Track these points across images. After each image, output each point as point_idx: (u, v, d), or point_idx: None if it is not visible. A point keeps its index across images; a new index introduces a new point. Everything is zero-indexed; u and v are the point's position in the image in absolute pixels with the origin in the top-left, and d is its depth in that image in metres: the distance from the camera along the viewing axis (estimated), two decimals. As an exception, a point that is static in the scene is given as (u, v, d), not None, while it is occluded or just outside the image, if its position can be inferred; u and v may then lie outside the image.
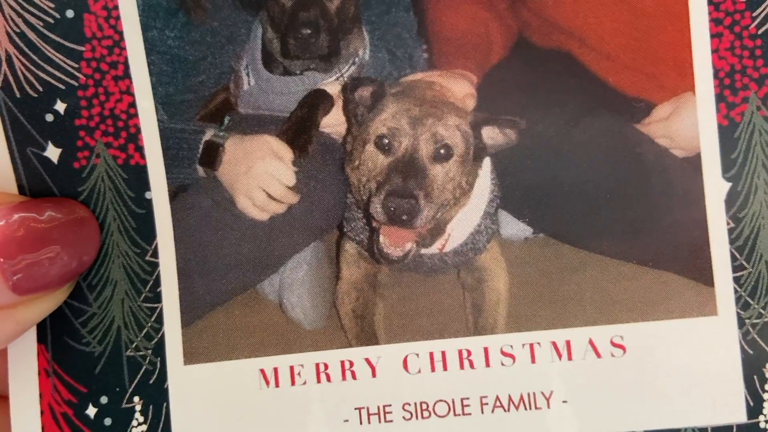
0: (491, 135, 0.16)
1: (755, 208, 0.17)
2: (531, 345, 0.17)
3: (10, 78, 0.17)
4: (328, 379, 0.17)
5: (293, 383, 0.18)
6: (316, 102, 0.16)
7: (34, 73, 0.16)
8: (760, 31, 0.16)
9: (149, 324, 0.17)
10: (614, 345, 0.17)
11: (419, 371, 0.18)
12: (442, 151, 0.17)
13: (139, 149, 0.16)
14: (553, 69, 0.16)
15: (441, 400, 0.18)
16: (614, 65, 0.16)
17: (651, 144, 0.15)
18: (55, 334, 0.18)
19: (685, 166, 0.15)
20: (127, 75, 0.16)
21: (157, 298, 0.17)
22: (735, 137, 0.16)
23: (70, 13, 0.17)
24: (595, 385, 0.17)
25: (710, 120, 0.17)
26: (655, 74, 0.15)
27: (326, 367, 0.18)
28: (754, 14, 0.15)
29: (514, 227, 0.16)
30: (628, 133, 0.15)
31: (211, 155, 0.17)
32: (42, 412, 0.18)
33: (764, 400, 0.16)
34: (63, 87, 0.17)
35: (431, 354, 0.17)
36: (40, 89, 0.17)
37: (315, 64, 0.16)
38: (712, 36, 0.16)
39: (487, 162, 0.16)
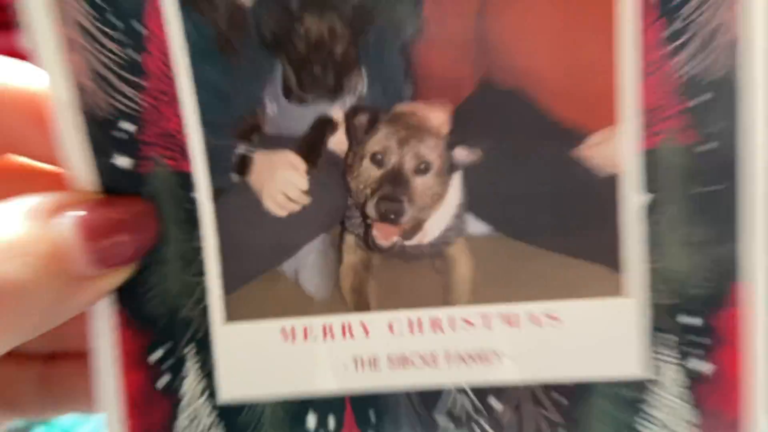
0: (461, 155, 0.18)
1: (661, 215, 0.20)
2: (487, 315, 0.20)
3: (91, 104, 0.19)
4: (332, 337, 0.20)
5: (306, 339, 0.20)
6: (324, 125, 0.19)
7: (107, 101, 0.19)
8: (678, 74, 0.18)
9: (197, 293, 0.20)
10: (550, 317, 0.19)
11: (401, 333, 0.20)
12: (422, 166, 0.18)
13: (188, 159, 0.20)
14: (510, 103, 0.18)
15: (417, 354, 0.20)
16: (558, 101, 0.18)
17: (584, 165, 0.18)
18: (126, 298, 0.20)
19: (610, 182, 0.18)
20: (178, 102, 0.19)
21: (202, 273, 0.20)
22: (653, 161, 0.19)
23: (132, 54, 0.20)
24: (534, 346, 0.19)
25: (633, 146, 0.18)
26: (591, 109, 0.18)
27: (331, 328, 0.20)
28: (674, 61, 0.18)
29: (476, 226, 0.19)
30: (567, 156, 0.18)
31: (244, 165, 0.19)
32: (116, 360, 0.21)
33: (662, 361, 0.20)
34: (129, 111, 0.19)
35: (410, 320, 0.20)
36: (112, 113, 0.20)
37: (324, 95, 0.19)
38: (639, 79, 0.18)
39: (457, 175, 0.20)
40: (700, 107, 0.19)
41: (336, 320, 0.20)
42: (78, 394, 0.25)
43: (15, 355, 0.22)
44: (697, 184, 0.19)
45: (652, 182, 0.19)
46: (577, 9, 0.18)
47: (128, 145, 0.19)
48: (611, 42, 0.18)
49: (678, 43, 0.18)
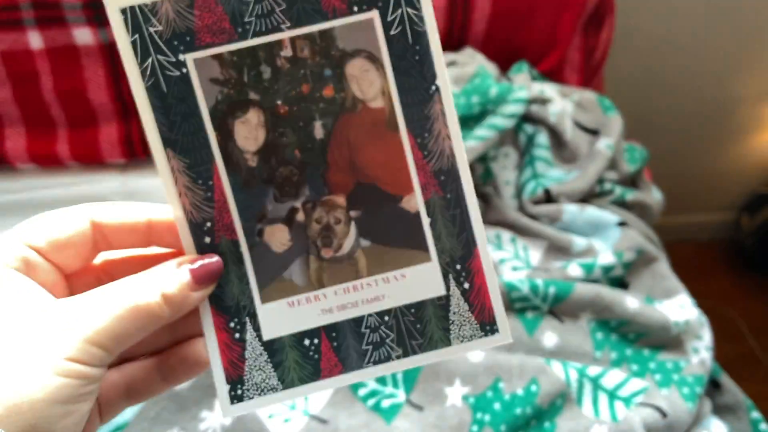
0: (353, 214, 0.34)
1: (436, 225, 0.34)
2: (376, 279, 0.34)
3: (191, 217, 0.33)
4: (309, 302, 0.34)
5: (299, 305, 0.34)
6: (293, 211, 0.31)
7: (199, 214, 0.33)
8: (430, 165, 0.34)
9: (246, 292, 0.34)
10: (402, 276, 0.34)
11: (340, 294, 0.34)
12: (337, 221, 0.34)
13: (236, 233, 0.32)
14: (370, 189, 0.32)
15: (348, 303, 0.34)
16: (388, 185, 0.31)
17: (404, 209, 0.31)
18: (212, 298, 0.33)
19: (416, 215, 0.32)
20: (229, 210, 0.33)
21: (248, 283, 0.32)
22: (429, 204, 0.34)
23: (208, 193, 0.33)
24: (397, 290, 0.34)
25: (420, 199, 0.34)
26: (402, 187, 0.31)
27: (308, 298, 0.34)
28: (429, 164, 0.34)
29: (365, 242, 0.32)
30: (397, 207, 0.31)
31: (261, 232, 0.34)
32: (211, 327, 0.34)
33: (450, 285, 0.35)
34: (208, 217, 0.33)
35: (344, 288, 0.34)
36: (201, 219, 0.33)
37: (291, 198, 0.34)
38: (416, 172, 0.34)
39: (353, 222, 0.34)
40: (442, 181, 0.33)
41: (311, 294, 0.34)
42: (186, 368, 0.34)
43: (137, 356, 0.35)
44: (447, 210, 0.34)
45: (430, 212, 0.34)
46: (388, 148, 0.33)
47: (209, 232, 0.33)
48: (405, 159, 0.33)
49: (429, 156, 0.33)
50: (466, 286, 0.35)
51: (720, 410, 0.75)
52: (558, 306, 0.77)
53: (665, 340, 0.78)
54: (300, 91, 0.33)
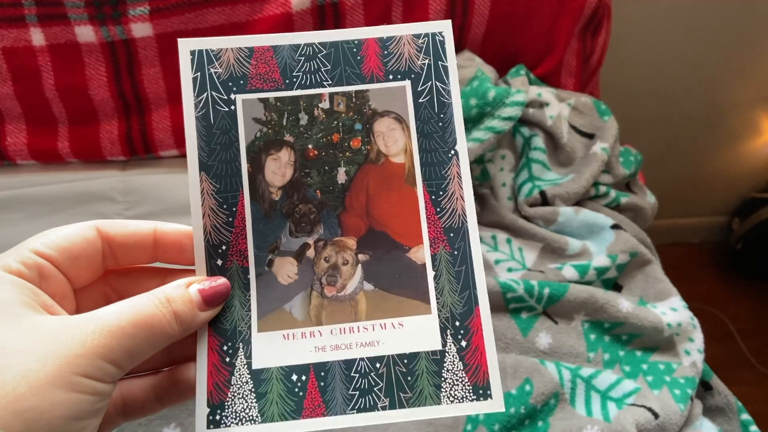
0: (361, 257, 0.35)
1: (440, 279, 0.35)
2: (373, 324, 0.34)
3: (209, 238, 0.34)
4: (305, 337, 0.34)
5: (294, 339, 0.34)
6: (305, 247, 0.36)
7: (216, 236, 0.34)
8: (442, 221, 0.35)
9: (245, 318, 0.34)
10: (399, 324, 0.34)
11: (337, 334, 0.34)
12: (345, 262, 0.35)
13: (248, 261, 0.32)
14: (380, 237, 0.36)
15: (343, 344, 0.34)
16: (398, 235, 0.36)
17: (411, 260, 0.32)
18: (212, 321, 0.34)
19: (422, 266, 0.35)
20: (246, 237, 0.35)
21: (249, 309, 0.32)
22: (435, 259, 0.35)
23: (229, 217, 0.35)
24: (393, 337, 0.34)
25: (428, 253, 0.35)
26: (412, 238, 0.32)
27: (304, 333, 0.34)
28: (441, 220, 0.35)
29: (368, 285, 0.36)
30: (404, 256, 0.32)
31: (271, 263, 0.35)
32: (205, 348, 0.34)
33: (447, 341, 0.34)
34: (224, 240, 0.34)
35: (340, 328, 0.35)
36: (217, 242, 0.34)
37: (305, 235, 0.36)
38: (427, 226, 0.35)
39: (359, 265, 0.35)
40: (451, 237, 0.35)
41: (307, 330, 0.35)
42: (178, 393, 0.34)
43: (135, 374, 0.34)
44: (452, 266, 0.35)
45: (436, 265, 0.35)
46: (404, 201, 0.35)
47: (222, 255, 0.35)
48: (418, 213, 0.35)
49: (441, 213, 0.35)
50: (463, 344, 0.35)
51: (710, 412, 0.76)
52: (552, 307, 0.78)
53: (658, 341, 0.79)
54: (330, 139, 0.37)
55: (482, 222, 0.92)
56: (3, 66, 0.81)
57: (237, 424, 0.33)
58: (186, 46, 0.35)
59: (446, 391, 0.34)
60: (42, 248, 0.30)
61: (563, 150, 0.92)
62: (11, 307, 0.28)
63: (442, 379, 0.34)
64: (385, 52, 0.36)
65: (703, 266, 1.78)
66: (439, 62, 0.36)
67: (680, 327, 0.77)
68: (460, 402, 0.33)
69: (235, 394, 0.33)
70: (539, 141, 0.92)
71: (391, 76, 0.36)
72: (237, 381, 0.34)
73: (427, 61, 0.36)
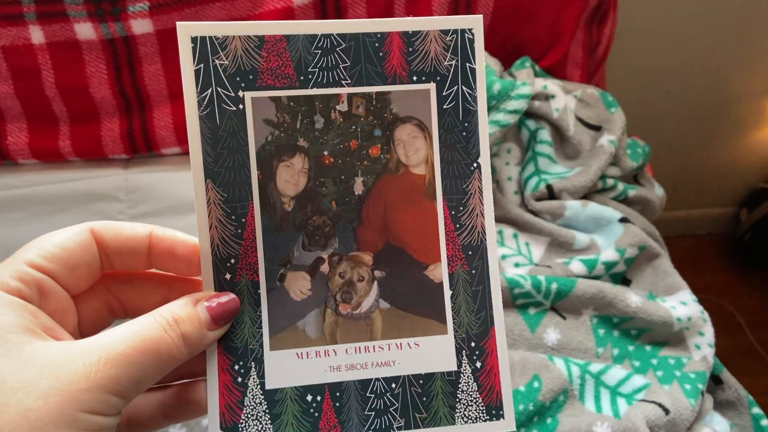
0: (377, 274, 0.34)
1: (458, 298, 0.34)
2: (389, 344, 0.33)
3: (217, 251, 0.32)
4: (319, 356, 0.33)
5: (308, 358, 0.33)
6: (319, 261, 0.34)
7: (225, 250, 0.32)
8: (461, 242, 0.34)
9: (257, 336, 0.32)
10: (415, 344, 0.33)
11: (351, 353, 0.33)
12: (361, 278, 0.33)
13: (258, 275, 0.33)
14: (398, 252, 0.34)
15: (358, 363, 0.33)
16: (416, 252, 0.34)
17: (428, 278, 0.31)
18: (222, 339, 0.32)
19: (439, 285, 0.34)
20: (257, 250, 0.33)
21: (261, 326, 0.33)
22: (453, 277, 0.34)
23: (238, 229, 0.32)
24: (409, 357, 0.33)
25: (446, 270, 0.34)
26: (429, 255, 0.34)
27: (319, 352, 0.33)
28: (460, 237, 0.34)
29: (384, 303, 0.34)
30: (421, 274, 0.34)
31: (283, 277, 0.33)
32: (215, 368, 0.32)
33: (462, 362, 0.33)
34: (233, 254, 0.32)
35: (355, 347, 0.33)
36: (226, 255, 0.32)
37: (319, 249, 0.34)
38: (445, 244, 0.34)
39: (375, 282, 0.34)
40: (469, 256, 0.34)
41: (321, 349, 0.33)
42: (187, 411, 0.33)
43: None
44: (470, 285, 0.34)
45: (453, 284, 0.34)
46: (423, 215, 0.34)
47: (231, 269, 0.32)
48: (437, 228, 0.34)
49: (461, 230, 0.34)
50: (478, 365, 0.34)
51: (721, 406, 0.75)
52: (560, 302, 0.77)
53: (667, 336, 0.78)
54: (348, 145, 0.34)
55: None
56: (3, 65, 0.80)
57: None
58: (186, 31, 0.31)
59: (460, 412, 0.33)
60: (39, 261, 0.29)
61: (570, 143, 0.91)
62: (10, 334, 0.26)
63: (457, 399, 0.33)
64: (410, 49, 0.33)
65: (711, 258, 1.77)
66: (467, 64, 0.34)
67: (690, 321, 0.76)
68: (473, 422, 0.33)
69: (249, 415, 0.32)
70: (545, 134, 0.91)
71: (415, 77, 0.34)
72: (250, 402, 0.32)
73: (454, 62, 0.33)
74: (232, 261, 0.33)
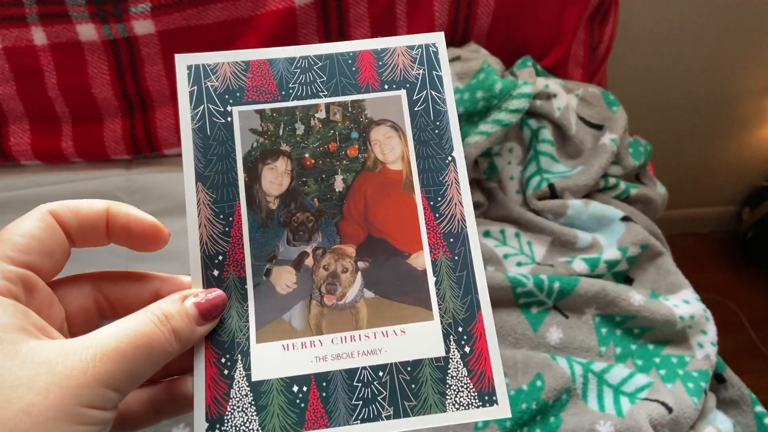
0: (360, 264, 0.35)
1: (441, 284, 0.35)
2: (375, 332, 0.34)
3: (206, 248, 0.34)
4: (305, 347, 0.34)
5: (294, 349, 0.34)
6: (303, 255, 0.35)
7: (213, 247, 0.34)
8: (441, 227, 0.35)
9: (243, 330, 0.33)
10: (402, 332, 0.34)
11: (337, 343, 0.34)
12: (344, 269, 0.35)
13: (245, 271, 0.34)
14: (379, 243, 0.35)
15: (344, 353, 0.34)
16: (397, 241, 0.36)
17: (411, 266, 0.32)
18: (210, 335, 0.33)
19: (422, 272, 0.35)
20: (243, 247, 0.34)
21: (247, 320, 0.34)
22: (436, 264, 0.35)
23: (226, 227, 0.34)
24: (395, 345, 0.34)
25: (428, 258, 0.35)
26: (411, 244, 0.36)
27: (304, 343, 0.34)
28: (440, 225, 0.35)
29: (368, 293, 0.35)
30: (404, 262, 0.31)
31: (269, 272, 0.35)
32: (203, 361, 0.33)
33: (451, 347, 0.34)
34: (221, 251, 0.34)
35: (341, 337, 0.34)
36: (214, 252, 0.34)
37: (303, 243, 0.35)
38: (426, 232, 0.35)
39: (359, 273, 0.35)
40: (451, 243, 0.35)
41: (307, 339, 0.34)
42: (176, 406, 0.34)
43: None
44: (453, 272, 0.35)
45: (436, 271, 0.35)
46: (402, 207, 0.35)
47: (219, 266, 0.34)
48: (416, 219, 0.35)
49: (440, 219, 0.35)
50: (467, 349, 0.34)
51: (724, 404, 0.75)
52: (563, 301, 0.77)
53: (670, 334, 0.78)
54: (327, 147, 0.37)
55: (490, 216, 0.91)
56: (5, 66, 0.80)
57: None
58: (183, 61, 0.36)
59: (451, 398, 0.33)
60: (17, 256, 0.29)
61: (571, 142, 0.91)
62: (6, 334, 0.27)
63: (447, 386, 0.33)
64: (380, 63, 0.37)
65: (713, 256, 1.77)
66: (434, 72, 0.37)
67: (693, 319, 0.76)
68: (465, 409, 0.33)
69: (235, 407, 0.32)
70: (547, 133, 0.91)
71: (386, 86, 0.37)
72: (236, 394, 0.33)
73: (421, 71, 0.37)
74: (220, 258, 0.35)
